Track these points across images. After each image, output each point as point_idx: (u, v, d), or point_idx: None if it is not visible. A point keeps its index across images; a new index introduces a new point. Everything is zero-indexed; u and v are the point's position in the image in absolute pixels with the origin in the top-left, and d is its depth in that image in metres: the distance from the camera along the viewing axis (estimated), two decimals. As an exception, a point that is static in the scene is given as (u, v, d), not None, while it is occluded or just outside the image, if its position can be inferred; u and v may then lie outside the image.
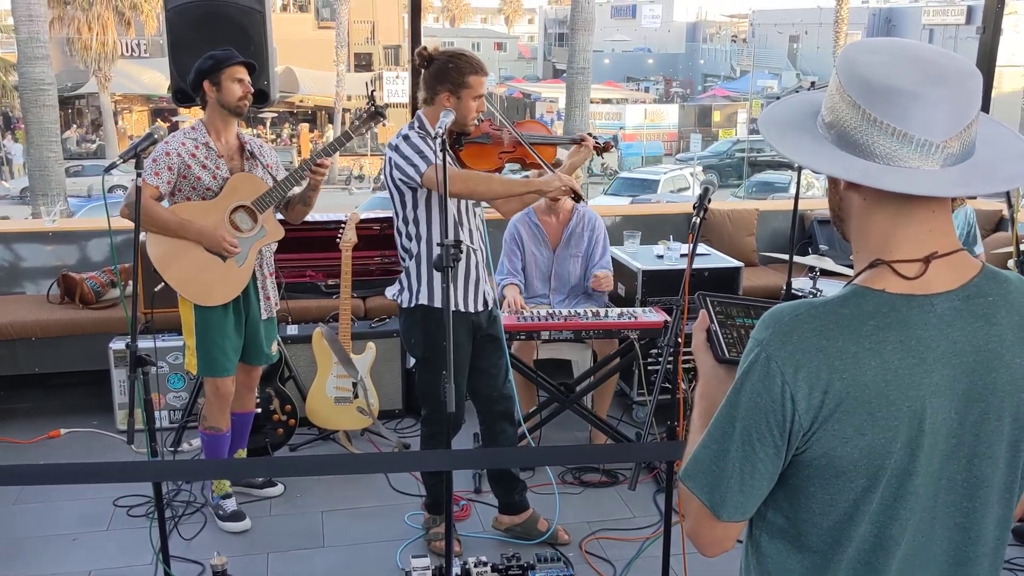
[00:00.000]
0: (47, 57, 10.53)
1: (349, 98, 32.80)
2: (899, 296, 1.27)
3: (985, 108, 5.08)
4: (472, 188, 3.29)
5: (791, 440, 1.27)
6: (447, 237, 2.82)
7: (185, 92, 4.13)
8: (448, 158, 3.32)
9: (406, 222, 3.40)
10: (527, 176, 3.90)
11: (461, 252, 2.80)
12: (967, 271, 1.31)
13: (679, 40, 50.37)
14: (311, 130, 33.18)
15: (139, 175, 2.86)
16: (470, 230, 3.47)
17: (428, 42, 3.66)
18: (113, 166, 2.97)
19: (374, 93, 3.86)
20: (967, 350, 1.27)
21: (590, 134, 3.70)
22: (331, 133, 31.97)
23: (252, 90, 3.69)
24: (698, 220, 3.00)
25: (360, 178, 28.93)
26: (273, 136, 33.06)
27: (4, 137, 29.31)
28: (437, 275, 3.37)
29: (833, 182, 1.37)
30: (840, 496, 1.29)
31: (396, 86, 28.54)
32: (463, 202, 3.42)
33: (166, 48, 4.24)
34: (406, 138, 3.31)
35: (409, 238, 3.42)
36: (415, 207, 3.34)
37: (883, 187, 1.24)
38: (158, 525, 3.06)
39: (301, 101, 32.99)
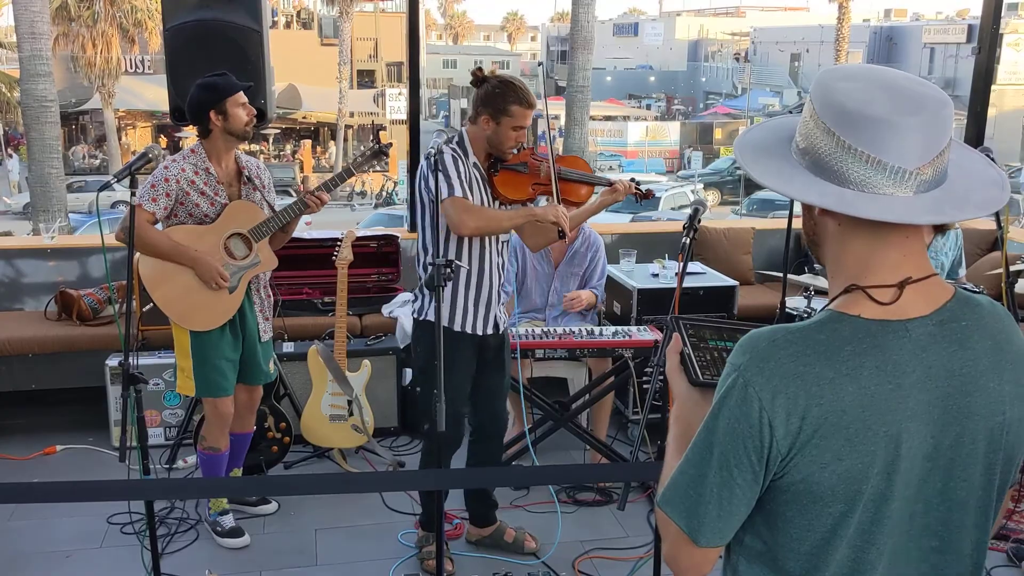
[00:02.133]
0: (50, 74, 10.59)
1: (352, 115, 32.92)
2: (875, 321, 1.28)
3: (982, 127, 5.07)
4: (480, 227, 3.26)
5: (769, 466, 1.28)
6: (439, 256, 2.84)
7: (184, 111, 4.17)
8: (480, 181, 3.34)
9: (423, 232, 3.40)
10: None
11: (453, 272, 2.81)
12: (940, 296, 1.33)
13: (681, 58, 50.52)
14: (313, 147, 33.30)
15: (134, 194, 2.88)
16: (490, 253, 3.45)
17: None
18: (107, 186, 2.98)
19: (380, 132, 3.89)
20: (942, 374, 1.28)
21: (633, 179, 3.66)
22: (333, 149, 32.07)
23: (255, 112, 3.72)
24: (688, 240, 3.01)
25: (362, 194, 29.01)
26: (275, 152, 33.16)
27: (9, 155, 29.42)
28: (447, 293, 3.38)
29: (807, 207, 1.38)
30: (818, 521, 1.29)
31: (399, 103, 28.69)
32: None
33: (166, 67, 4.27)
34: (440, 153, 3.29)
35: (424, 251, 3.44)
36: (433, 221, 3.36)
37: (857, 214, 1.26)
38: (150, 543, 3.07)
39: (304, 118, 33.11)
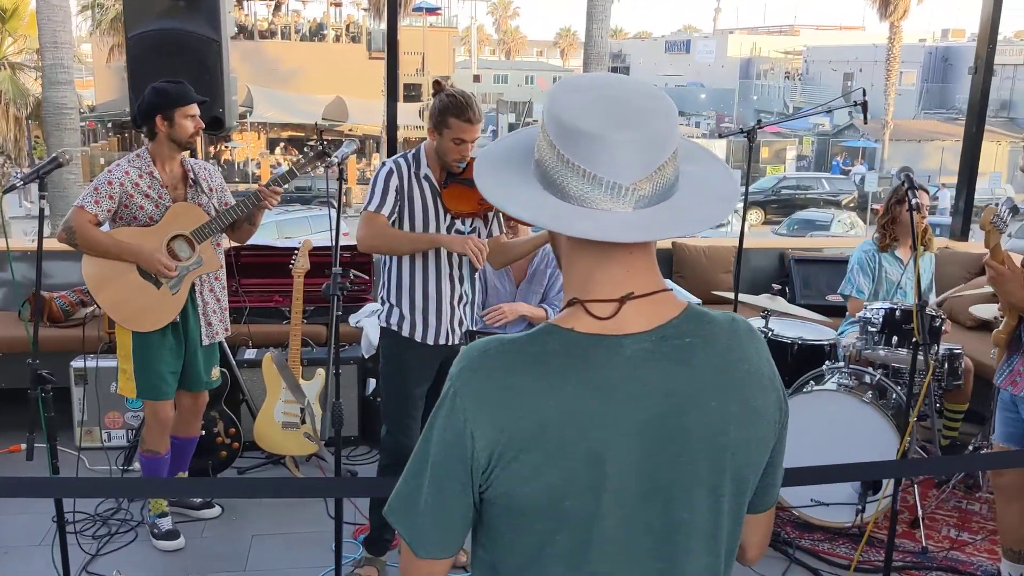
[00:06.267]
0: (70, 82, 10.89)
1: (397, 128, 33.18)
2: (587, 335, 1.25)
3: (977, 147, 4.91)
4: (375, 246, 3.31)
5: (474, 478, 1.25)
6: (337, 266, 2.84)
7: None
8: (430, 193, 3.35)
9: None
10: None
11: (350, 281, 2.82)
12: (666, 312, 1.28)
13: (732, 76, 50.16)
14: (358, 158, 33.66)
15: (43, 198, 2.93)
16: (443, 263, 3.43)
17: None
18: (12, 188, 3.04)
19: (322, 133, 3.92)
20: (657, 392, 1.24)
21: None
22: (377, 161, 32.39)
23: (203, 125, 3.77)
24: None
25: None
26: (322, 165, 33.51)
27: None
28: (393, 298, 3.41)
29: None
30: (525, 536, 1.26)
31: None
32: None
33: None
34: (383, 165, 3.38)
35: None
36: None
37: (565, 232, 1.23)
38: (59, 543, 3.11)
39: (350, 130, 33.51)
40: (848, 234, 22.45)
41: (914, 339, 3.18)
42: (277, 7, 35.79)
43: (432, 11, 37.67)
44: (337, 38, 34.89)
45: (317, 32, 35.18)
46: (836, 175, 32.29)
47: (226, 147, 31.83)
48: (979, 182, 9.08)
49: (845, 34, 53.41)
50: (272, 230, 14.73)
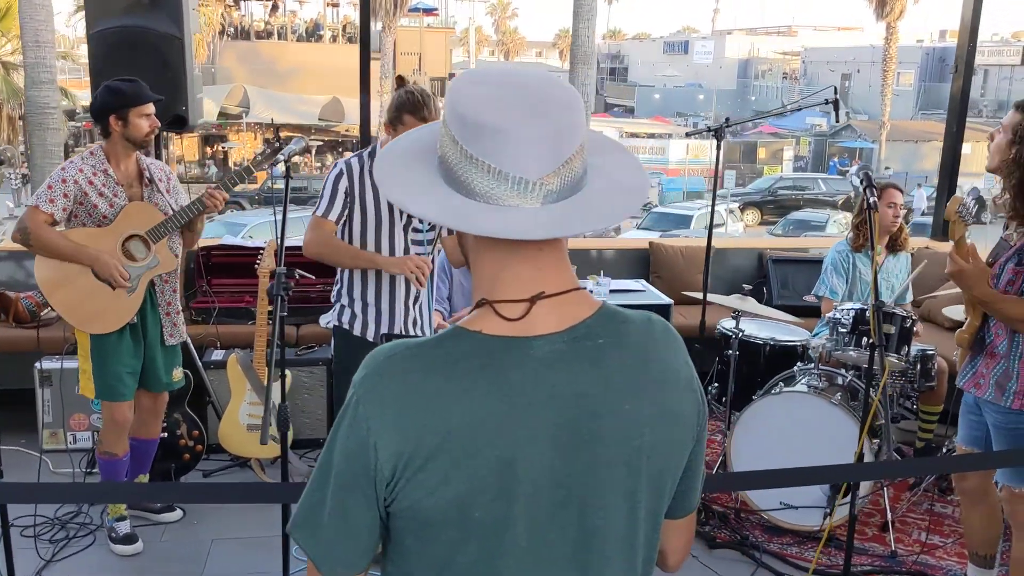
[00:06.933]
0: (53, 82, 10.78)
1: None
2: (495, 338, 1.19)
3: (958, 147, 4.86)
4: (320, 254, 3.30)
5: (378, 490, 1.19)
6: (281, 265, 2.79)
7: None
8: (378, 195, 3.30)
9: None
10: None
11: (292, 281, 2.77)
12: (578, 312, 1.23)
13: (731, 76, 50.12)
14: (354, 158, 33.63)
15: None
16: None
17: None
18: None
19: (279, 131, 3.87)
20: (568, 395, 1.18)
21: None
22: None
23: (158, 124, 3.71)
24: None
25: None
26: (319, 164, 33.53)
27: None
28: (345, 298, 3.35)
29: None
30: (433, 548, 1.20)
31: (436, 117, 28.83)
32: (390, 235, 3.36)
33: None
34: (334, 166, 3.32)
35: None
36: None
37: (471, 231, 1.18)
38: (4, 547, 3.06)
39: (347, 130, 33.45)
40: (844, 234, 22.36)
41: (870, 340, 3.12)
42: (274, 7, 35.76)
43: (429, 11, 37.66)
44: (334, 38, 34.88)
45: (313, 32, 35.16)
46: (833, 176, 32.22)
47: (222, 147, 31.79)
48: (975, 183, 9.03)
49: (843, 35, 53.35)
50: (266, 230, 14.70)
